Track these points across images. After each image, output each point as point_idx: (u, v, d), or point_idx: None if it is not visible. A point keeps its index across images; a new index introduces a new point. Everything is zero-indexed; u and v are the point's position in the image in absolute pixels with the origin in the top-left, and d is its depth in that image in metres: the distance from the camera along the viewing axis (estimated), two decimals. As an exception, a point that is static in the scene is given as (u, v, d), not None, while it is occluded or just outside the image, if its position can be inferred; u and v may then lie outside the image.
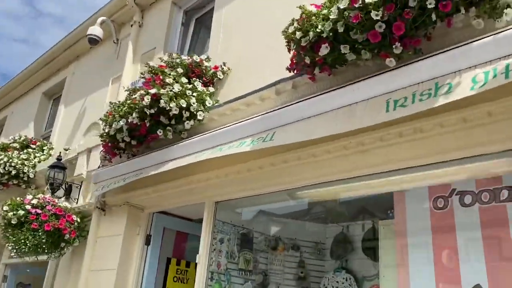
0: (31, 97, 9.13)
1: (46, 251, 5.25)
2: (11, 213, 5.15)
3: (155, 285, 4.98)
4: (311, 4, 3.13)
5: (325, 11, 2.91)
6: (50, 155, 7.06)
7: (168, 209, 5.12)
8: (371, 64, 2.99)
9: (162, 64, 4.84)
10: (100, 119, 5.09)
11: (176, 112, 4.13)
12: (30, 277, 7.81)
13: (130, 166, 4.65)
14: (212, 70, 4.54)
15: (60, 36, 10.31)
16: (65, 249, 5.38)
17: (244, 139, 3.47)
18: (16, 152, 7.04)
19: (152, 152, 4.46)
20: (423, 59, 2.64)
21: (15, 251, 5.32)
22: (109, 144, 4.90)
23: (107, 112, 4.96)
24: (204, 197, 4.39)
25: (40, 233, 5.08)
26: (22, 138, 7.44)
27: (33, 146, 7.25)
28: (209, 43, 5.09)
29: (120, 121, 4.46)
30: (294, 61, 3.32)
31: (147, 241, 5.04)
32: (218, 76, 4.50)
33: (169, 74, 4.40)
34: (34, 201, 5.23)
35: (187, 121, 4.20)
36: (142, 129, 4.35)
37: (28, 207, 5.16)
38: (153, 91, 4.21)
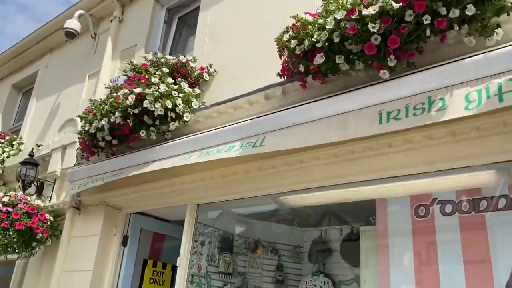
0: (-1, 88, 8.78)
1: (16, 250, 5.07)
2: (-20, 211, 4.94)
3: (131, 286, 4.90)
4: (306, 13, 3.16)
5: (321, 21, 2.94)
6: (20, 150, 6.82)
7: (146, 210, 5.04)
8: (363, 75, 3.05)
9: (146, 62, 4.75)
10: (79, 116, 4.96)
11: (162, 113, 4.08)
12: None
13: (110, 165, 4.55)
14: (198, 71, 4.49)
15: (24, 25, 9.94)
16: (36, 249, 5.20)
17: (232, 143, 3.46)
18: (-17, 146, 6.76)
19: (134, 152, 4.38)
20: (415, 72, 2.72)
21: (-17, 250, 5.11)
22: (87, 142, 4.78)
23: (86, 109, 4.83)
24: (186, 199, 4.35)
25: (10, 232, 4.89)
26: (-11, 132, 7.15)
27: (2, 141, 6.97)
28: (194, 43, 5.03)
29: (102, 120, 4.35)
30: (286, 68, 3.34)
31: (124, 242, 4.94)
32: (204, 78, 4.46)
33: (155, 74, 4.34)
34: (5, 199, 5.03)
35: (172, 122, 4.14)
36: (125, 128, 4.26)
37: (-2, 205, 4.97)
38: (138, 90, 4.13)
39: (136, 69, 4.67)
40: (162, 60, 4.61)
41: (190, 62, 4.56)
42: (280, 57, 3.40)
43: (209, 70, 4.48)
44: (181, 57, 4.56)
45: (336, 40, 2.83)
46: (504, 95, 2.27)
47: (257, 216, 5.11)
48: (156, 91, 4.11)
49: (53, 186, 5.66)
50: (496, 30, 2.55)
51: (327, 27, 2.86)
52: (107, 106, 4.39)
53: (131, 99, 4.12)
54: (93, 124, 4.47)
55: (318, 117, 3.03)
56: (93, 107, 4.65)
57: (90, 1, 6.58)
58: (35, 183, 5.68)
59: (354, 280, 4.70)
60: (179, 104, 4.11)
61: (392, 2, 2.62)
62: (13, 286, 5.84)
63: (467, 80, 2.48)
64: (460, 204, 3.33)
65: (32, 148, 5.95)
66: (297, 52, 3.02)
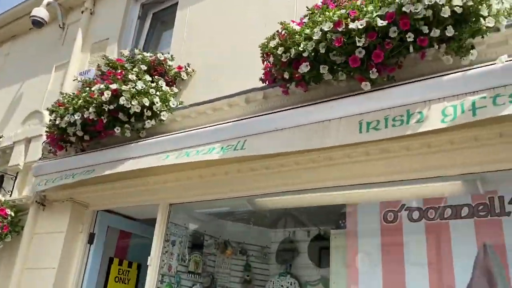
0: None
1: (-26, 246, 4.85)
2: None
3: (97, 285, 4.81)
4: (292, 21, 3.24)
5: (307, 31, 3.03)
6: (-23, 141, 6.48)
7: (114, 208, 4.96)
8: (344, 85, 3.16)
9: (121, 58, 4.68)
10: (47, 109, 4.80)
11: (138, 110, 4.03)
12: None
13: (81, 161, 4.43)
14: (175, 70, 4.47)
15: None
16: (-5, 245, 4.99)
17: (213, 144, 3.48)
18: None
19: (107, 149, 4.30)
20: (396, 85, 2.86)
21: None
22: (56, 136, 4.64)
23: (56, 102, 4.69)
24: (158, 199, 4.32)
25: (-32, 227, 4.68)
26: None
27: (-43, 130, 6.60)
28: (171, 42, 4.99)
29: (75, 115, 4.24)
30: (269, 73, 3.41)
31: (91, 240, 4.84)
32: (182, 77, 4.45)
33: (132, 70, 4.28)
34: (-36, 192, 4.81)
35: (148, 120, 4.10)
36: (99, 125, 4.18)
37: (-45, 198, 4.74)
38: (114, 86, 4.07)
39: (110, 64, 4.59)
40: (139, 56, 4.55)
41: (168, 60, 4.52)
42: (263, 62, 3.46)
43: (187, 69, 4.47)
44: (159, 55, 4.52)
45: (322, 50, 2.92)
46: (477, 110, 2.44)
47: (228, 216, 5.15)
48: (133, 88, 4.06)
49: (15, 180, 5.44)
50: (471, 51, 2.74)
51: (313, 37, 2.95)
52: (80, 101, 4.28)
53: (106, 95, 4.04)
54: (65, 119, 4.35)
55: (300, 123, 3.10)
56: (64, 101, 4.51)
57: (59, -10, 6.36)
58: (-5, 176, 5.45)
59: (320, 281, 4.84)
60: (157, 102, 4.07)
61: (378, 19, 2.74)
62: (-34, 283, 5.58)
63: (444, 96, 2.63)
64: (427, 211, 3.54)
65: (-8, 140, 5.70)
66: (283, 59, 3.09)
